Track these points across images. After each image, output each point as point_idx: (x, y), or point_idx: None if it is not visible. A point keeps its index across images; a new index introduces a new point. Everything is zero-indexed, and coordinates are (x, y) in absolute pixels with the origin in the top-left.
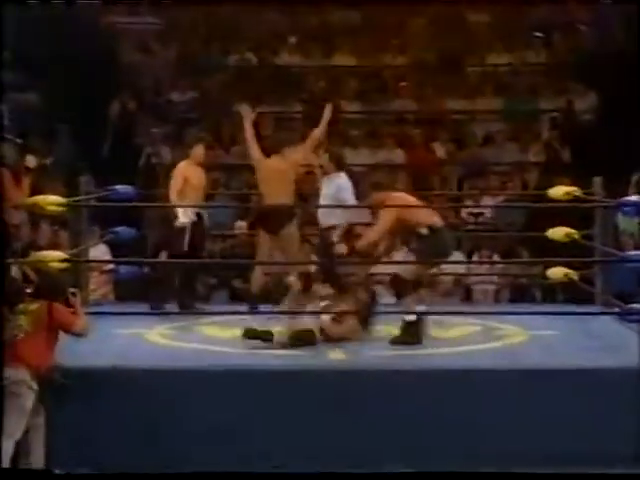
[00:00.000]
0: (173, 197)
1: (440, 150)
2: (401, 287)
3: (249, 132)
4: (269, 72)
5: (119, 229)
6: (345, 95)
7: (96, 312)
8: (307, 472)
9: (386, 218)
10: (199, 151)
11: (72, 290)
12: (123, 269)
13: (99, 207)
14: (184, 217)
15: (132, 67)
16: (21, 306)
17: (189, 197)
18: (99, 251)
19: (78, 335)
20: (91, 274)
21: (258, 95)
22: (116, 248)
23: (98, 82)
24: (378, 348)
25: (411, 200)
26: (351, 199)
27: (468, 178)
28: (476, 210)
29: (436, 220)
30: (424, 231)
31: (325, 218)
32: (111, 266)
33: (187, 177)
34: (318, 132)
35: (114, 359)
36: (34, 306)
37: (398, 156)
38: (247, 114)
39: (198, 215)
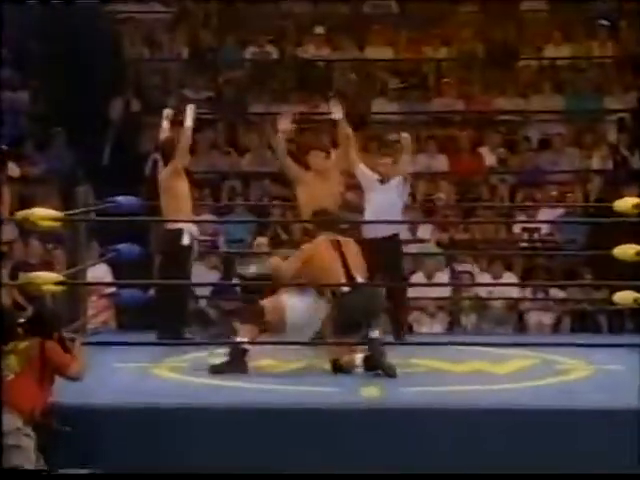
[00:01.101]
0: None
1: (489, 156)
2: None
3: (282, 147)
4: (292, 67)
5: (121, 246)
6: (380, 93)
7: (95, 342)
8: (307, 472)
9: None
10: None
11: (71, 336)
12: (126, 293)
13: (99, 222)
14: (187, 236)
15: (137, 62)
16: (10, 344)
17: (185, 208)
18: (99, 272)
19: (72, 379)
20: (89, 298)
21: (279, 93)
22: (118, 268)
23: (98, 79)
24: (416, 383)
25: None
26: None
27: (521, 188)
28: (531, 225)
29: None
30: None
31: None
32: (112, 289)
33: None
34: (346, 131)
35: (116, 397)
36: (24, 344)
37: (440, 162)
38: (285, 126)
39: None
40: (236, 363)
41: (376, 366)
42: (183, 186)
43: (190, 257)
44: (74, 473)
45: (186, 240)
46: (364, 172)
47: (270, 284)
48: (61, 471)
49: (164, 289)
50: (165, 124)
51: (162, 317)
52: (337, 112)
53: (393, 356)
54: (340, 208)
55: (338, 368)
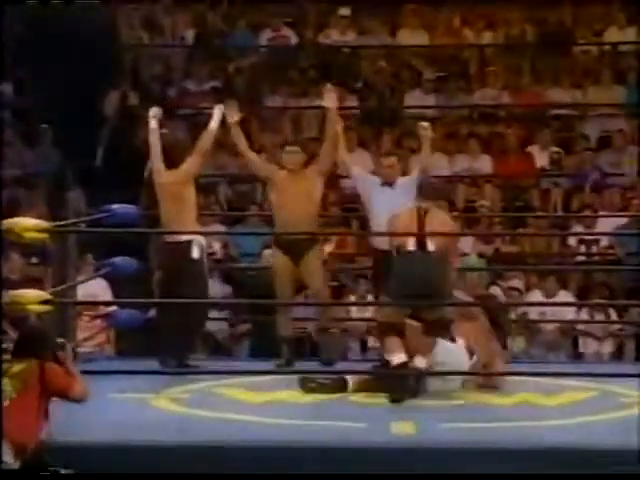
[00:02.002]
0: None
1: (540, 156)
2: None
3: (240, 140)
4: (313, 54)
5: (117, 260)
6: (414, 84)
7: (89, 371)
8: (307, 472)
9: None
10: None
11: (60, 340)
12: (123, 313)
13: (92, 233)
14: (196, 248)
15: (135, 48)
16: (3, 366)
17: (192, 218)
18: (95, 288)
19: (77, 401)
20: (82, 319)
21: (298, 85)
22: (114, 285)
23: (91, 68)
24: (454, 417)
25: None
26: None
27: (578, 193)
28: (589, 237)
29: None
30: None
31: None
32: (108, 308)
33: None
34: (335, 124)
35: (111, 432)
36: (20, 367)
37: (484, 164)
38: (232, 113)
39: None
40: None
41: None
42: (191, 193)
43: (203, 272)
44: (75, 473)
45: (196, 253)
46: (360, 174)
47: None
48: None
49: (167, 310)
50: (153, 124)
51: (164, 341)
52: (330, 100)
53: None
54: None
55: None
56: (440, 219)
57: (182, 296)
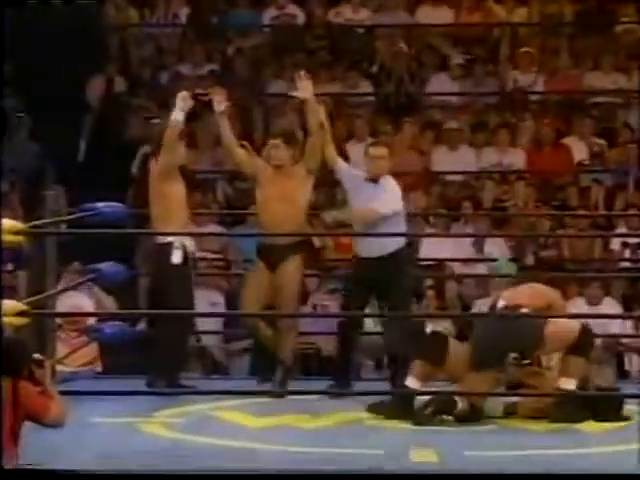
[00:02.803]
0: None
1: (579, 149)
2: None
3: (226, 132)
4: (322, 35)
5: (102, 267)
6: (436, 68)
7: (69, 391)
8: (307, 472)
9: None
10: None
11: (37, 357)
12: (109, 326)
13: (74, 235)
14: (178, 252)
15: (122, 28)
16: None
17: (176, 218)
18: (80, 299)
19: (52, 426)
20: (62, 333)
21: (307, 69)
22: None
23: (72, 51)
24: (483, 444)
25: None
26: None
27: (622, 191)
28: (635, 239)
29: None
30: None
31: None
32: (92, 321)
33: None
34: (318, 116)
35: (95, 462)
36: None
37: (516, 158)
38: (220, 100)
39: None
40: (402, 406)
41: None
42: (175, 189)
43: (187, 279)
44: (75, 473)
45: (176, 258)
46: (344, 167)
47: None
48: None
49: (154, 322)
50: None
51: (151, 358)
52: (304, 90)
53: None
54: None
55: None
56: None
57: (164, 306)
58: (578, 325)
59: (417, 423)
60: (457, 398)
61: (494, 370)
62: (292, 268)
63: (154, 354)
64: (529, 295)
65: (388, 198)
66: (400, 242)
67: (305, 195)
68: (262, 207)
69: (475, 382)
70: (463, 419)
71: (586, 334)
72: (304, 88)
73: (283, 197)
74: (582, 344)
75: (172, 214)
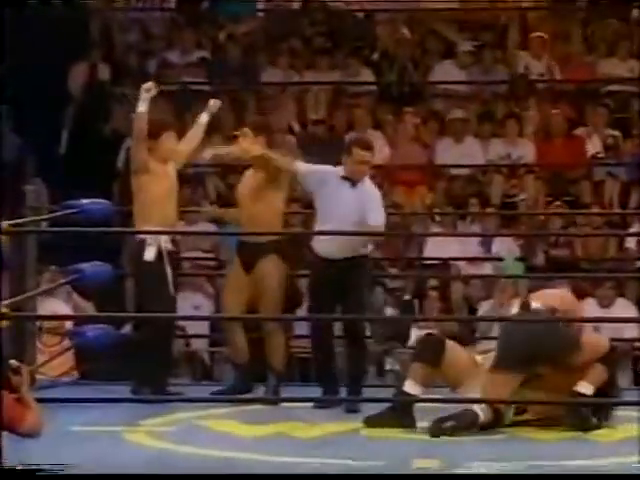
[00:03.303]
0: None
1: (593, 140)
2: None
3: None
4: (320, 20)
5: (85, 267)
6: (441, 55)
7: (49, 399)
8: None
9: None
10: (167, 142)
11: (14, 363)
12: (91, 330)
13: (55, 233)
14: (151, 246)
15: (107, 13)
16: None
17: (154, 214)
18: (57, 304)
19: (28, 436)
20: (48, 338)
21: (302, 56)
22: (83, 296)
23: (53, 37)
24: (489, 454)
25: None
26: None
27: (638, 186)
28: None
29: None
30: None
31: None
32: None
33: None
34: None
35: (79, 473)
36: None
37: (525, 150)
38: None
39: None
40: (402, 414)
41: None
42: (153, 185)
43: (160, 278)
44: (75, 473)
45: (149, 255)
46: (309, 169)
47: None
48: None
49: (140, 325)
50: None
51: (136, 363)
52: (250, 149)
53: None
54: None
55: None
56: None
57: (143, 307)
58: (607, 339)
59: (433, 435)
60: (477, 409)
61: (520, 373)
62: (270, 267)
63: (136, 359)
64: (561, 299)
65: (377, 207)
66: (369, 247)
67: (281, 191)
68: (239, 203)
69: (498, 384)
70: (487, 427)
71: (614, 350)
72: (252, 149)
73: (256, 194)
74: (610, 359)
75: (148, 210)
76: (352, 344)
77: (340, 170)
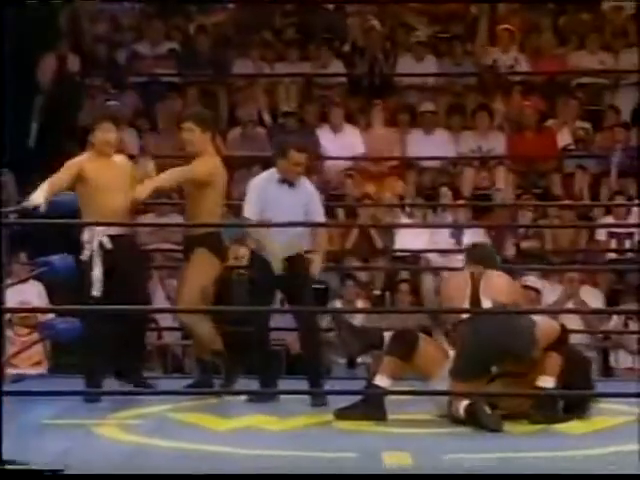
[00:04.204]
0: None
1: (563, 133)
2: None
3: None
4: (291, 11)
5: (54, 258)
6: (411, 47)
7: (16, 392)
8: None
9: None
10: (106, 135)
11: None
12: (61, 322)
13: (24, 225)
14: (89, 244)
15: (76, 3)
16: None
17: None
18: (29, 294)
19: None
20: (16, 331)
21: (274, 47)
22: (53, 288)
23: (20, 26)
24: (459, 447)
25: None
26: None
27: (608, 177)
28: (621, 230)
29: None
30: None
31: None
32: (43, 318)
33: (85, 176)
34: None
35: (46, 467)
36: None
37: (496, 142)
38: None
39: (114, 238)
40: (373, 407)
41: (477, 417)
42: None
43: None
44: (76, 473)
45: (84, 254)
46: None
47: None
48: None
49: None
50: None
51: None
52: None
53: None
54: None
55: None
56: (499, 278)
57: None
58: (557, 323)
59: (338, 419)
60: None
61: (479, 380)
62: (195, 259)
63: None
64: (507, 292)
65: (319, 205)
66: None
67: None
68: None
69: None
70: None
71: (564, 332)
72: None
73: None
74: (560, 342)
75: (90, 201)
76: (307, 338)
77: (274, 173)
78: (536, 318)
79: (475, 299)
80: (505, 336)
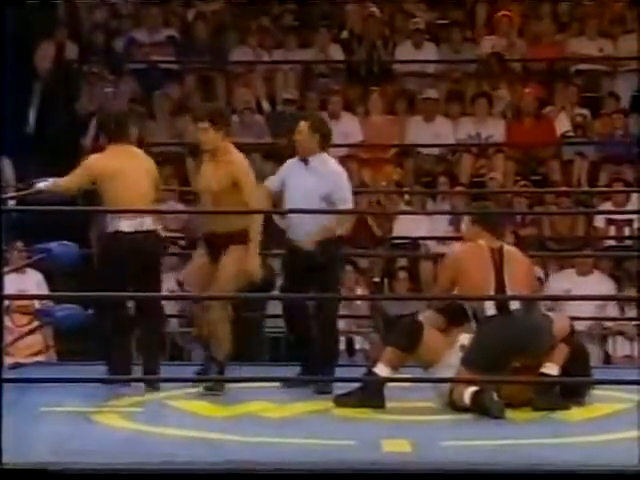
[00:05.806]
0: None
1: (562, 119)
2: None
3: None
4: None
5: (53, 245)
6: (409, 34)
7: (16, 379)
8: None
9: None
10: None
11: None
12: (60, 310)
13: (22, 211)
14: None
15: None
16: None
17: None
18: (29, 282)
19: None
20: (15, 319)
21: (272, 34)
22: (52, 276)
23: (19, 15)
24: (459, 434)
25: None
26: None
27: (607, 164)
28: (620, 216)
29: None
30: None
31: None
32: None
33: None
34: None
35: (46, 455)
36: None
37: (494, 129)
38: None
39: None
40: (372, 394)
41: (483, 403)
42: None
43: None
44: (75, 473)
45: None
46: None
47: None
48: None
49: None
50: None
51: (109, 343)
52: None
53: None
54: None
55: (450, 403)
56: (522, 263)
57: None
58: (568, 320)
59: (338, 405)
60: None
61: (492, 373)
62: (230, 259)
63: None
64: (529, 280)
65: (336, 187)
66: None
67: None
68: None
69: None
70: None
71: (572, 327)
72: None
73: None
74: (571, 336)
75: (117, 195)
76: (323, 326)
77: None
78: (551, 314)
79: (500, 286)
80: (529, 335)
